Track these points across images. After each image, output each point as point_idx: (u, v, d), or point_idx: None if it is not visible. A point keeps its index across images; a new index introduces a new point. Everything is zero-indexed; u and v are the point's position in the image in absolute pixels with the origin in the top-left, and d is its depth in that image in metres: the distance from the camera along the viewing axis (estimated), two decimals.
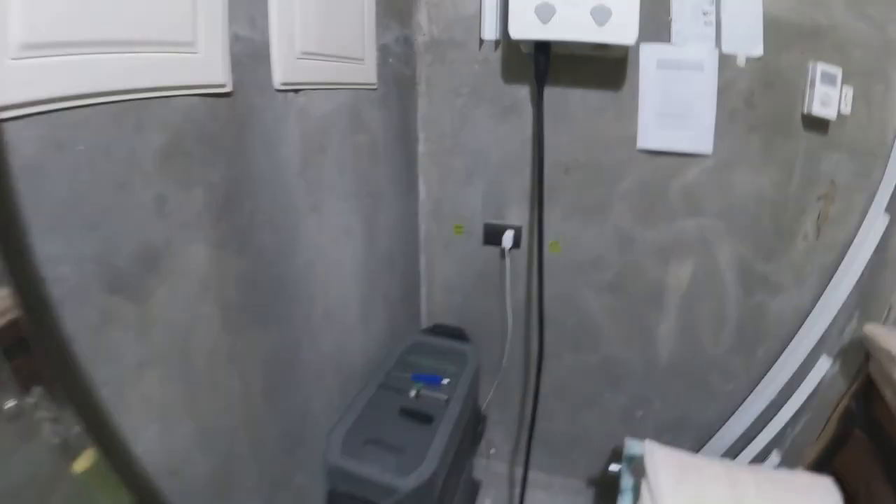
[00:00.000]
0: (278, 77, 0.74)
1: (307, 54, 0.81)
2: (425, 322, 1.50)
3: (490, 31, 1.16)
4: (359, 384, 1.13)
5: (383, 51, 1.09)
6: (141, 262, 0.58)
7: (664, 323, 1.30)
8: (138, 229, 0.57)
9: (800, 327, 1.24)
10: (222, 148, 0.69)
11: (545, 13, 0.96)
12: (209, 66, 0.64)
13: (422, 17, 1.17)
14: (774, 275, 1.22)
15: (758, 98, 1.14)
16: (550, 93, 1.12)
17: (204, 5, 0.61)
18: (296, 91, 0.80)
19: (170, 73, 0.59)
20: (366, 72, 1.03)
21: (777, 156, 1.16)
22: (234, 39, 0.68)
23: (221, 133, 0.68)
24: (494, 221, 1.32)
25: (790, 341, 1.26)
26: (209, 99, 0.65)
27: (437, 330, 1.39)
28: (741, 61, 1.13)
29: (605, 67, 1.13)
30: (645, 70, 1.12)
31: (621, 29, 0.95)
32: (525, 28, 0.98)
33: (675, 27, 1.09)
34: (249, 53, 0.70)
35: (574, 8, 0.95)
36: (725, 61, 1.12)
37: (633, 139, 1.17)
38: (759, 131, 1.15)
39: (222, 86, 0.66)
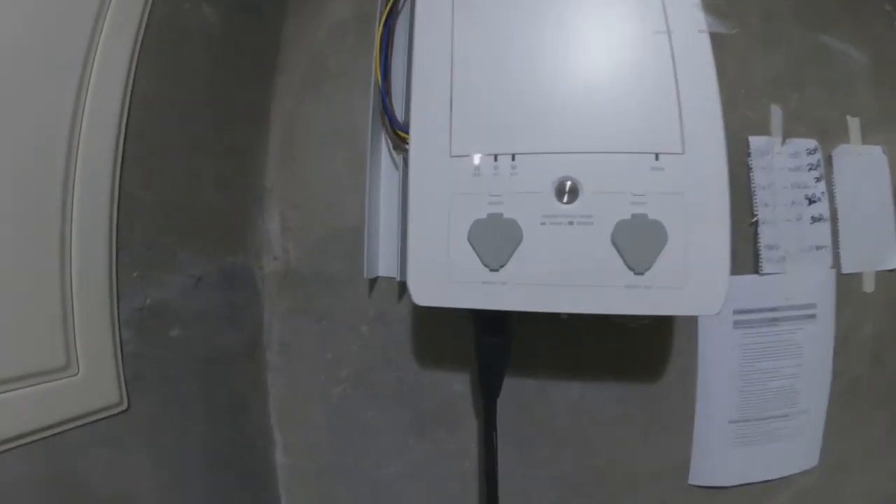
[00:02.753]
0: None
1: None
2: None
3: (389, 264, 0.51)
4: None
5: (149, 317, 0.46)
6: None
7: None
8: None
9: None
10: None
11: (498, 246, 0.35)
12: None
13: (272, 224, 0.59)
14: None
15: (889, 345, 0.56)
16: (515, 387, 0.50)
17: None
18: None
19: None
20: (80, 390, 0.42)
21: None
22: None
23: None
24: None
25: None
26: None
27: None
28: (869, 284, 0.56)
29: (626, 335, 0.51)
30: (710, 334, 0.51)
31: (689, 280, 0.36)
32: (449, 285, 0.35)
33: (764, 237, 0.52)
34: None
35: (572, 233, 0.35)
36: (846, 290, 0.54)
37: (681, 469, 0.53)
38: (887, 404, 0.57)
39: None
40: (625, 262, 0.34)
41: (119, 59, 0.43)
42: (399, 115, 0.48)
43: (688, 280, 0.35)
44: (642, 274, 0.34)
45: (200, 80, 0.52)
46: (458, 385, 0.52)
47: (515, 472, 0.50)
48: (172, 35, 0.48)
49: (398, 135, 0.47)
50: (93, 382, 0.43)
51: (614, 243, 0.34)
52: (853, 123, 0.57)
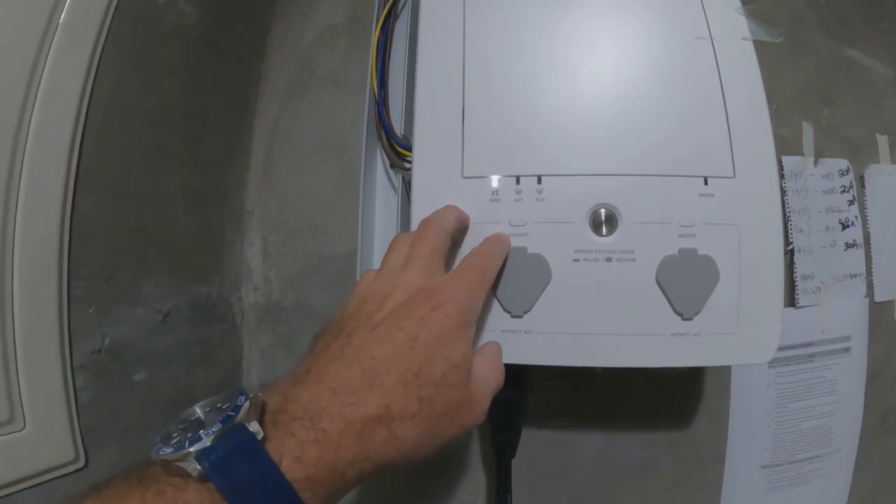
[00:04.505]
0: None
1: None
2: None
3: None
4: None
5: (108, 360, 0.39)
6: None
7: None
8: None
9: None
10: None
11: (522, 287, 0.28)
12: None
13: (252, 249, 0.52)
14: None
15: None
16: (529, 438, 0.43)
17: None
18: None
19: None
20: (27, 446, 0.35)
21: None
22: None
23: None
24: None
25: None
26: None
27: None
28: None
29: (651, 379, 0.45)
30: (745, 375, 0.45)
31: (741, 325, 0.31)
32: None
33: (800, 267, 0.47)
34: None
35: (611, 271, 0.28)
36: (877, 319, 0.49)
37: None
38: None
39: None
40: (672, 305, 0.28)
41: (77, 55, 0.37)
42: (398, 128, 0.42)
43: (739, 325, 0.29)
44: (691, 319, 0.29)
45: (173, 85, 0.45)
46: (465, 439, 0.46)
47: None
48: (143, 32, 0.41)
49: (396, 151, 0.41)
50: (42, 437, 0.36)
51: (659, 283, 0.28)
52: (882, 142, 0.52)
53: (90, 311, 0.39)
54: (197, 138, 0.47)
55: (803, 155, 0.48)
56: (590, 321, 0.28)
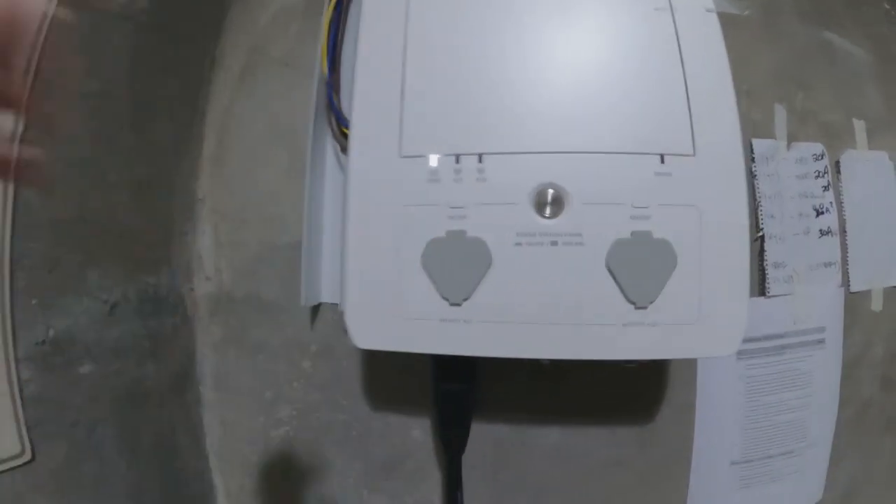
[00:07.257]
0: None
1: None
2: None
3: (334, 288, 0.41)
4: None
5: (53, 352, 0.36)
6: None
7: None
8: None
9: None
10: None
11: (460, 273, 0.26)
12: None
13: (204, 238, 0.49)
14: None
15: None
16: (489, 434, 0.40)
17: None
18: None
19: None
20: None
21: None
22: None
23: None
24: None
25: None
26: None
27: None
28: (877, 302, 0.50)
29: (611, 371, 0.41)
30: (711, 366, 0.43)
31: (702, 314, 0.29)
32: (399, 324, 0.26)
33: (771, 254, 0.44)
34: None
35: (556, 255, 0.26)
36: (854, 309, 0.47)
37: None
38: None
39: None
40: (623, 292, 0.26)
41: None
42: (349, 112, 0.40)
43: (701, 314, 0.27)
44: (645, 308, 0.26)
45: (120, 71, 0.43)
46: (417, 431, 0.43)
47: None
48: (87, 17, 0.39)
49: (346, 135, 0.38)
50: None
51: (610, 269, 0.26)
52: (859, 126, 0.50)
53: (33, 302, 0.37)
54: (144, 126, 0.45)
55: (775, 138, 0.45)
56: (534, 310, 0.26)
